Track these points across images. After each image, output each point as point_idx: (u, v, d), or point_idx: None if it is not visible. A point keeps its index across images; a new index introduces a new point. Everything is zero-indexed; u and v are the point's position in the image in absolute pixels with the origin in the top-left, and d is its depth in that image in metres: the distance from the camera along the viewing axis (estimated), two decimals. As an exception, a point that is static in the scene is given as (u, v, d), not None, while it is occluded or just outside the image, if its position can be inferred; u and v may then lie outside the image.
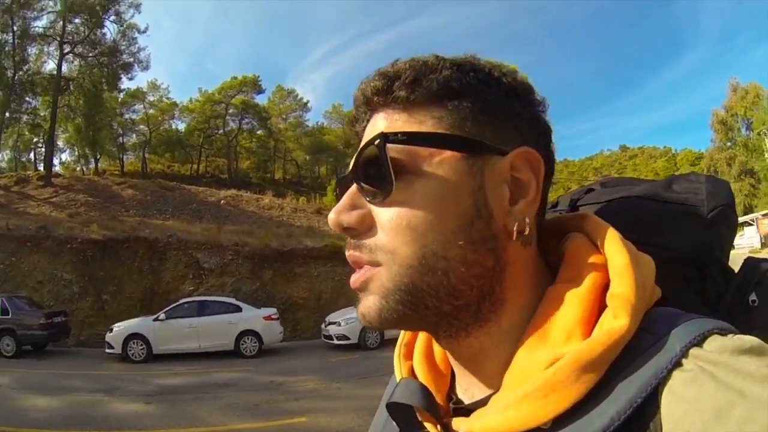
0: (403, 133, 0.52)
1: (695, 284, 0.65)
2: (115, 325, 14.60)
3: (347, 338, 14.84)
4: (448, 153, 0.52)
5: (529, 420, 0.46)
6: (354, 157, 0.55)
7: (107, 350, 14.16)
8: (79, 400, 9.08)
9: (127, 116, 46.72)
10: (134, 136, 49.24)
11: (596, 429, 0.43)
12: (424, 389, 0.58)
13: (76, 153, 46.99)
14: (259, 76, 49.13)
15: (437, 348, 0.65)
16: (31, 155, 49.26)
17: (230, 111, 49.35)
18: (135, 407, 8.80)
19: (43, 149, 45.53)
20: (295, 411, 8.43)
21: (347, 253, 0.55)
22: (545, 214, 0.60)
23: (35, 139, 44.73)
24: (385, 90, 0.55)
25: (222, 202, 31.71)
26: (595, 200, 0.75)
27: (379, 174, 0.51)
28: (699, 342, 0.45)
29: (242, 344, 14.62)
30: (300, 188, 46.87)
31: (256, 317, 15.09)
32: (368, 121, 0.58)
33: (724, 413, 0.39)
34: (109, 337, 14.22)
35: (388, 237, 0.51)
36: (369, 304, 0.53)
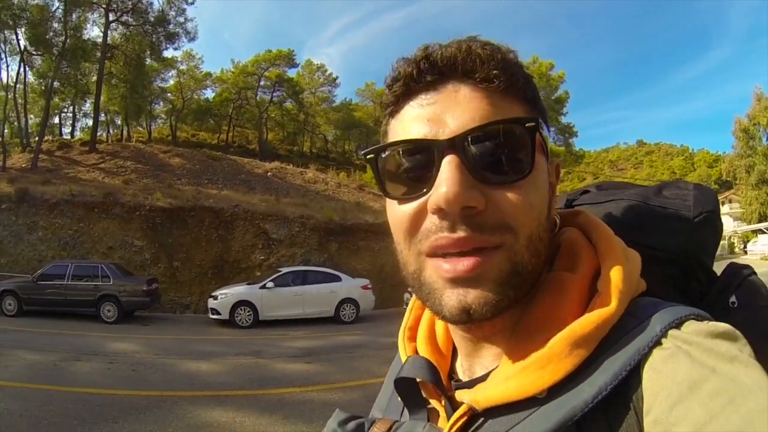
0: (540, 124, 0.55)
1: (679, 284, 0.70)
2: (219, 292, 15.02)
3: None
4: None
5: (527, 389, 0.51)
6: (470, 129, 0.53)
7: (212, 316, 14.69)
8: (240, 363, 9.38)
9: (155, 83, 46.29)
10: (161, 103, 48.87)
11: (586, 398, 0.48)
12: (431, 365, 0.62)
13: (104, 118, 46.60)
14: (293, 51, 49.04)
15: (440, 330, 0.70)
16: (56, 119, 48.56)
17: (262, 83, 49.15)
18: (300, 367, 9.15)
19: (70, 114, 45.71)
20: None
21: (458, 236, 0.52)
22: None
23: (62, 104, 44.29)
24: (491, 65, 0.54)
25: (269, 174, 31.75)
26: (589, 201, 0.81)
27: (514, 156, 0.53)
28: (677, 325, 0.50)
29: (342, 311, 15.43)
30: (327, 162, 46.84)
31: (354, 286, 15.89)
32: (440, 83, 0.56)
33: (697, 386, 0.43)
34: (214, 303, 14.68)
35: (513, 217, 0.53)
36: (483, 294, 0.53)
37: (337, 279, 15.69)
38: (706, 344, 0.46)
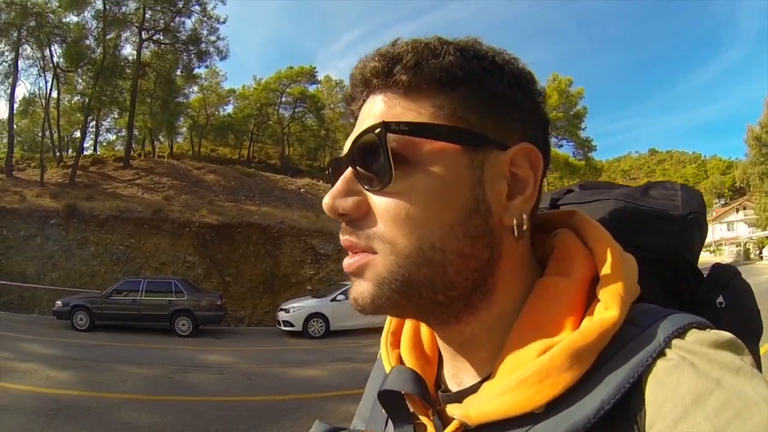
0: (405, 124, 0.51)
1: (669, 284, 0.68)
2: (290, 305, 15.80)
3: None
4: (448, 145, 0.51)
5: (525, 404, 0.48)
6: (351, 141, 0.54)
7: (284, 328, 15.45)
8: (341, 368, 9.92)
9: (178, 99, 46.80)
10: (182, 118, 49.32)
11: (588, 413, 0.45)
12: (417, 377, 0.59)
13: (125, 134, 46.97)
14: (315, 68, 50.17)
15: (425, 336, 0.66)
16: (76, 134, 48.88)
17: (283, 99, 50.01)
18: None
19: (92, 129, 46.09)
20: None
21: (342, 238, 0.55)
22: (538, 208, 0.60)
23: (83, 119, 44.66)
24: (385, 72, 0.54)
25: (302, 190, 32.36)
26: (574, 201, 0.77)
27: (377, 162, 0.51)
28: (680, 334, 0.47)
29: None
30: (347, 177, 47.40)
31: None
32: (365, 101, 0.57)
33: (702, 399, 0.42)
34: (286, 316, 15.42)
35: (386, 227, 0.51)
36: (362, 290, 0.53)
37: None
38: (711, 354, 0.45)
